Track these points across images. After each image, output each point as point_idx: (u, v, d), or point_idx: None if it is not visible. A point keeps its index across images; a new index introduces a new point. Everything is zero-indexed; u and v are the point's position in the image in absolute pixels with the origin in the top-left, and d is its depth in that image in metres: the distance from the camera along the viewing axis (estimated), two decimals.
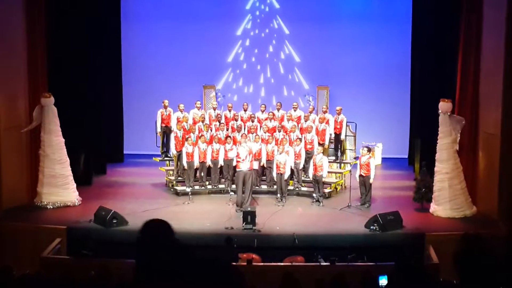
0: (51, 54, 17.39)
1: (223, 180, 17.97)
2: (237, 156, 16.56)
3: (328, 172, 17.39)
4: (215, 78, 22.16)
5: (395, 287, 7.59)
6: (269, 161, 17.46)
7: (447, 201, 15.65)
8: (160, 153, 19.31)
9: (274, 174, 17.14)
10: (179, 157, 17.99)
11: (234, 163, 16.97)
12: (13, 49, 16.20)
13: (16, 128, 16.22)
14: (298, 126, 18.16)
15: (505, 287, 5.80)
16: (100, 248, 13.64)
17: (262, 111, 18.93)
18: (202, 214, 15.90)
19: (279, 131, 17.93)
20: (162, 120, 18.88)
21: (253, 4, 22.26)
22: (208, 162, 17.68)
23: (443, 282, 9.41)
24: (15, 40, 16.28)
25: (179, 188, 17.79)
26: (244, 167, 16.26)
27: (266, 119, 18.50)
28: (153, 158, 19.48)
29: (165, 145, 19.11)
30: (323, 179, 16.92)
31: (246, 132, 17.90)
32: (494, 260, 4.96)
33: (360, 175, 16.49)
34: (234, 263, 9.74)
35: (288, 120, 18.39)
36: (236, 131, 18.08)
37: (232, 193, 16.65)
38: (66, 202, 16.45)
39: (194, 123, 18.43)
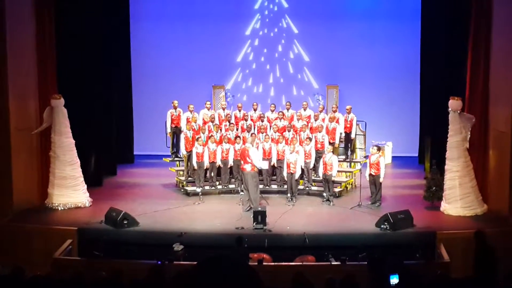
0: (61, 55, 17.41)
1: (233, 180, 17.98)
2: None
3: (338, 171, 17.38)
4: (225, 78, 22.17)
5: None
6: (280, 160, 17.45)
7: (458, 199, 15.60)
8: (170, 154, 19.34)
9: (285, 174, 17.13)
10: (189, 157, 18.01)
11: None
12: (23, 50, 16.23)
13: (26, 130, 16.26)
14: (308, 125, 18.15)
15: None
16: (111, 249, 13.69)
17: (272, 111, 18.92)
18: (212, 214, 15.90)
19: (289, 131, 17.92)
20: (172, 120, 18.91)
21: (262, 3, 22.24)
22: (218, 162, 17.69)
23: (455, 280, 9.41)
24: (25, 41, 16.31)
25: (190, 188, 17.81)
26: (245, 167, 16.28)
27: (276, 119, 18.50)
28: (163, 159, 19.50)
29: (175, 145, 19.15)
30: (333, 178, 16.89)
31: (256, 132, 17.91)
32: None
33: (370, 174, 16.45)
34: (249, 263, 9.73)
35: (298, 119, 18.38)
36: (246, 131, 18.08)
37: (242, 193, 16.66)
38: (76, 203, 16.49)
39: (204, 123, 18.45)
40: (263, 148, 17.23)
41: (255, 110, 19.01)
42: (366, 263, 12.57)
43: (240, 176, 17.37)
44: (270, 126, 18.27)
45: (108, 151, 19.97)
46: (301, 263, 12.86)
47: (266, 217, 14.71)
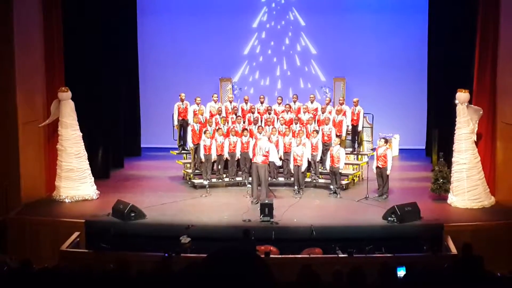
0: (68, 49, 17.42)
1: (240, 172, 18.00)
2: (253, 149, 16.60)
3: (345, 163, 17.37)
4: (232, 71, 22.15)
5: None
6: (286, 153, 17.45)
7: (465, 191, 15.58)
8: (177, 146, 19.36)
9: (291, 166, 17.13)
10: (196, 150, 18.03)
11: (251, 155, 17.05)
12: (30, 44, 16.26)
13: (34, 122, 16.31)
14: (315, 118, 18.14)
15: None
16: (119, 241, 13.73)
17: (279, 104, 18.91)
18: (219, 207, 15.93)
19: (296, 123, 17.91)
20: (179, 113, 18.92)
21: None
22: (225, 155, 17.70)
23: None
24: (32, 35, 16.34)
25: (197, 181, 17.82)
26: (257, 160, 16.29)
27: (282, 112, 18.48)
28: (170, 152, 19.52)
29: (182, 138, 19.16)
30: (340, 171, 16.88)
31: (263, 124, 17.91)
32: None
33: (377, 167, 16.43)
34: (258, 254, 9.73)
35: (305, 112, 18.36)
36: (252, 124, 18.08)
37: (249, 185, 16.67)
38: (84, 196, 16.54)
39: (211, 116, 18.45)
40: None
41: (262, 102, 19.00)
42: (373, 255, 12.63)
43: (247, 168, 17.39)
44: (277, 119, 18.26)
45: (116, 144, 19.99)
46: (308, 256, 12.88)
47: (273, 210, 14.73)
